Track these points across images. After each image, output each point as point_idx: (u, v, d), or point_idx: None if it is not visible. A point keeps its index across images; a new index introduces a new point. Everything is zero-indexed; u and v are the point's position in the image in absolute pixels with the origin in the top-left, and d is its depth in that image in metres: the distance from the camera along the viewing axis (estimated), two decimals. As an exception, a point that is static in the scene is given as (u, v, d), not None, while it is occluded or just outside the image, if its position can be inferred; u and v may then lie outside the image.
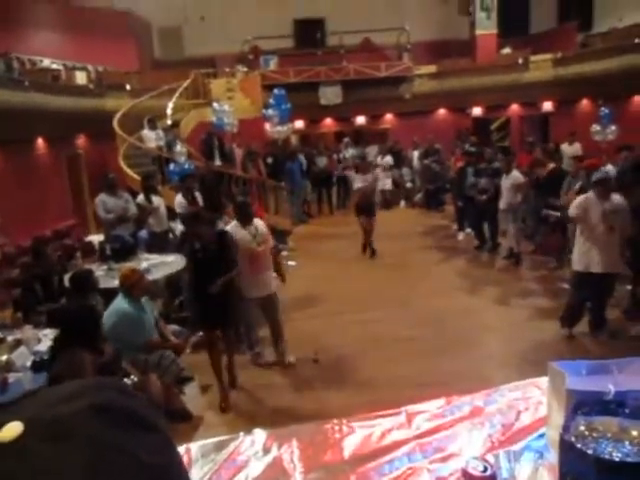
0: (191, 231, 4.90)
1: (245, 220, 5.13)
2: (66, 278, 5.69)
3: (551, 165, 8.00)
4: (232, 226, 5.19)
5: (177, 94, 11.49)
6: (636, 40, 11.09)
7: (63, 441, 0.44)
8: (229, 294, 4.67)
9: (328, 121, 15.86)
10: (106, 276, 6.15)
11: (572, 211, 5.44)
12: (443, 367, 5.00)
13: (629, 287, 6.28)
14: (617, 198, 5.30)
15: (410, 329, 6.02)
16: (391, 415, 1.54)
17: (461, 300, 7.01)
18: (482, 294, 7.21)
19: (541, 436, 1.37)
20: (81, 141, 12.26)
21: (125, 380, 3.90)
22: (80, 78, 12.88)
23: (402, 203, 13.65)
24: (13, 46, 11.49)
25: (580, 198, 5.47)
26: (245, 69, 13.92)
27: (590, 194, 5.36)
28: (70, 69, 12.80)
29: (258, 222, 5.25)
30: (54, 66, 12.40)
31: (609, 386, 1.10)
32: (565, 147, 10.85)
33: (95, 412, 0.46)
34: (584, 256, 5.38)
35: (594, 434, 1.03)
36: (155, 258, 6.78)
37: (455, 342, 5.66)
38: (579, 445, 1.00)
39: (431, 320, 6.26)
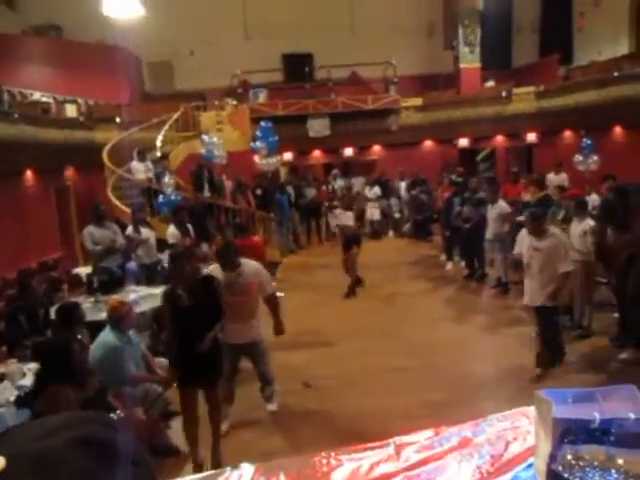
0: (173, 272, 4.38)
1: (226, 264, 4.52)
2: (52, 311, 5.63)
3: (541, 193, 8.06)
4: (212, 268, 4.70)
5: (167, 126, 11.60)
6: (615, 73, 11.42)
7: (48, 476, 0.44)
8: (215, 345, 4.14)
9: (317, 153, 16.04)
10: (93, 308, 6.09)
11: (516, 248, 5.68)
12: (432, 398, 4.96)
13: (616, 315, 6.32)
14: (553, 234, 5.33)
15: (399, 360, 5.98)
16: (379, 447, 1.52)
17: (450, 330, 7.00)
18: (471, 324, 7.21)
19: (530, 466, 1.36)
20: (70, 173, 12.27)
21: (110, 414, 3.83)
22: (70, 111, 12.97)
23: (390, 233, 13.74)
24: (4, 79, 11.58)
25: (521, 232, 5.64)
26: (234, 102, 14.10)
27: (524, 230, 5.53)
28: (60, 102, 12.89)
29: (249, 267, 4.59)
30: (44, 99, 12.48)
31: (594, 414, 1.11)
32: (551, 177, 11.02)
33: (79, 445, 0.46)
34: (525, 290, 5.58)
35: (581, 463, 1.03)
36: (143, 290, 6.74)
37: (444, 372, 5.63)
38: (566, 475, 1.00)
39: (420, 351, 6.23)
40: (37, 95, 12.59)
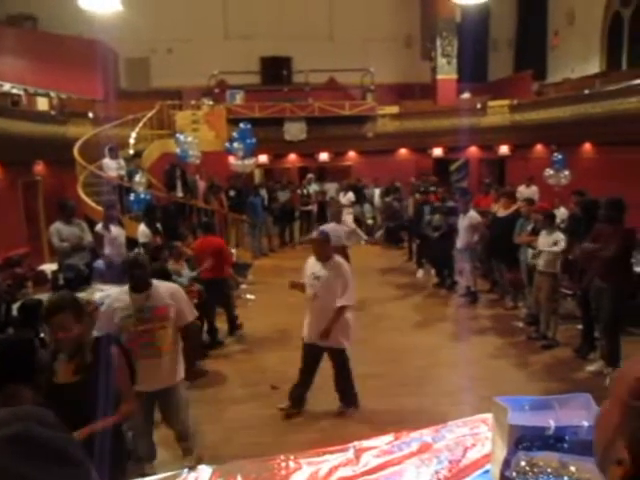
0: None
1: (134, 283, 3.61)
2: (14, 307, 5.48)
3: (514, 206, 8.15)
4: (118, 292, 3.83)
5: (141, 124, 11.45)
6: (586, 91, 11.70)
7: None
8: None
9: (292, 157, 16.04)
10: (57, 306, 5.95)
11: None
12: (399, 405, 4.98)
13: (580, 326, 6.46)
14: (335, 262, 4.71)
15: (367, 366, 5.98)
16: (339, 451, 1.52)
17: (418, 337, 7.06)
18: (439, 331, 7.28)
19: (487, 472, 1.38)
20: (39, 168, 11.99)
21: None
22: (42, 104, 12.69)
23: (363, 240, 13.80)
24: (-27, 70, 11.30)
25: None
26: (211, 102, 14.01)
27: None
28: (31, 94, 12.61)
29: (164, 288, 3.68)
30: (15, 90, 12.20)
31: (550, 421, 1.12)
32: (522, 189, 11.23)
33: (10, 445, 0.45)
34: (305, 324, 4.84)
35: (535, 469, 1.04)
36: (110, 289, 6.60)
37: (411, 379, 5.67)
38: (519, 480, 1.01)
39: (388, 357, 6.26)
40: (7, 86, 12.30)
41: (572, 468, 1.03)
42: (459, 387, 5.61)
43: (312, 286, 4.68)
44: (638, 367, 0.74)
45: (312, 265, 4.77)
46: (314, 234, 5.00)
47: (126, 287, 3.68)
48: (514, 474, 1.03)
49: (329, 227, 7.61)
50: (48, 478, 0.45)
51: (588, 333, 6.19)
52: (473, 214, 8.36)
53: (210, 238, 7.25)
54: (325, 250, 4.70)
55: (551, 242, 6.38)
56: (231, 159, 11.35)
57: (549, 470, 1.04)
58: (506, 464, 1.05)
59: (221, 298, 7.13)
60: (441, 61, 16.08)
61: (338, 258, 4.82)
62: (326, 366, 5.94)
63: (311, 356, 4.84)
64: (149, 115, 12.04)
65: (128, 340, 3.45)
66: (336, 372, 4.94)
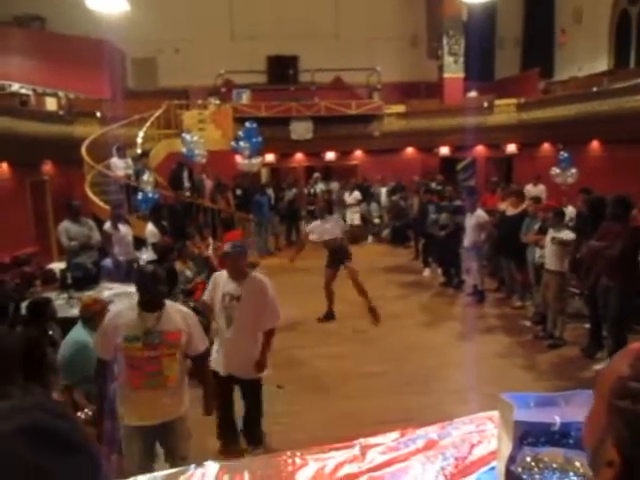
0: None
1: (147, 300, 3.18)
2: (23, 306, 5.52)
3: (523, 205, 8.12)
4: (124, 307, 3.37)
5: (148, 123, 11.50)
6: (594, 89, 11.64)
7: None
8: None
9: (299, 156, 16.04)
10: (66, 305, 6.00)
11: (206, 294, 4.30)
12: (406, 403, 4.98)
13: (587, 325, 6.43)
14: (254, 278, 4.07)
15: (375, 365, 6.01)
16: (345, 448, 1.53)
17: (425, 336, 7.05)
18: (446, 330, 7.27)
19: (492, 469, 1.38)
20: (47, 167, 12.08)
21: (78, 414, 3.77)
22: (50, 104, 12.77)
23: (370, 238, 13.79)
24: (-18, 70, 11.38)
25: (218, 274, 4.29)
26: (217, 102, 14.04)
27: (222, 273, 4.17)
28: (40, 94, 12.69)
29: (174, 310, 3.29)
30: (23, 91, 12.28)
31: (555, 418, 1.12)
32: (530, 188, 11.19)
33: (20, 435, 0.45)
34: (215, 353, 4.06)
35: (540, 465, 1.05)
36: (118, 288, 6.64)
37: (418, 378, 5.66)
38: (525, 477, 1.01)
39: (395, 356, 6.26)
40: (16, 86, 12.38)
41: (577, 463, 1.04)
42: (465, 386, 5.60)
43: (227, 309, 3.94)
44: (619, 365, 0.73)
45: (225, 283, 4.00)
46: (226, 248, 4.08)
47: (134, 303, 3.24)
48: (519, 469, 1.03)
49: (316, 224, 7.69)
50: (61, 467, 0.45)
51: (596, 332, 6.16)
52: (480, 213, 8.33)
53: (234, 232, 7.41)
54: (241, 266, 3.99)
55: (558, 240, 6.35)
56: (238, 158, 11.38)
57: (554, 465, 1.04)
58: (511, 459, 1.05)
59: None
60: (448, 60, 16.04)
61: (256, 273, 4.23)
62: (335, 364, 5.97)
63: (227, 391, 4.13)
64: (156, 115, 12.09)
65: (130, 366, 3.15)
66: (248, 408, 4.16)
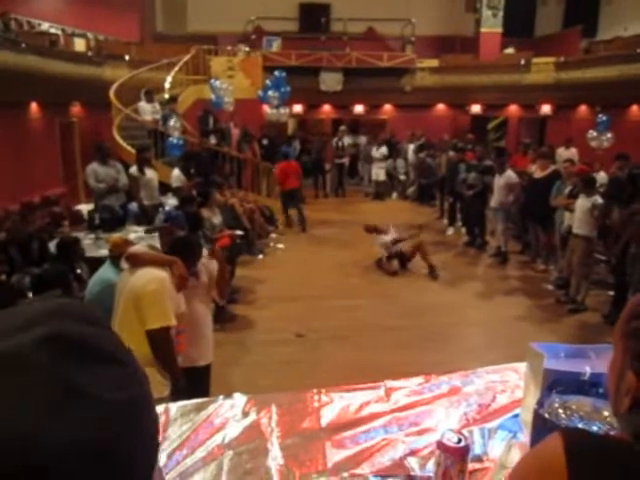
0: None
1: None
2: (51, 245, 5.65)
3: (551, 167, 7.94)
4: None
5: (177, 68, 11.36)
6: (638, 50, 11.13)
7: (14, 378, 0.40)
8: None
9: (326, 107, 15.79)
10: (93, 245, 6.13)
11: None
12: (424, 358, 5.04)
13: (611, 293, 6.37)
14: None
15: (394, 319, 6.07)
16: (370, 389, 1.56)
17: (445, 294, 7.07)
18: (466, 290, 7.27)
19: (515, 416, 1.40)
20: (76, 109, 12.10)
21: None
22: (79, 45, 12.69)
23: (394, 195, 13.69)
24: (12, 7, 11.27)
25: None
26: (247, 49, 13.79)
27: None
28: (69, 35, 12.60)
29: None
30: (52, 30, 12.20)
31: (586, 368, 1.13)
32: (561, 151, 10.91)
33: (49, 343, 0.42)
34: None
35: (567, 412, 1.05)
36: (142, 230, 6.75)
37: (437, 335, 5.72)
38: (552, 420, 1.03)
39: (415, 312, 6.31)
40: (45, 26, 12.30)
41: (605, 413, 1.04)
42: (483, 345, 5.65)
43: None
44: (632, 303, 0.78)
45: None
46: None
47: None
48: (547, 415, 1.04)
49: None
50: (90, 379, 0.42)
51: (620, 300, 6.09)
52: (510, 174, 8.18)
53: (291, 162, 10.44)
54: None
55: (588, 206, 6.23)
56: (265, 108, 11.25)
57: (582, 414, 1.05)
58: (540, 404, 1.06)
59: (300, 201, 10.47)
60: (486, 13, 15.39)
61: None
62: (354, 316, 6.04)
63: None
64: (185, 59, 11.93)
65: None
66: None
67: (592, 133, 9.75)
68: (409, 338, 5.57)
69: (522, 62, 14.39)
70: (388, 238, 7.90)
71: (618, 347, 0.77)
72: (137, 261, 3.02)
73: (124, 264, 3.14)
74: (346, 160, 13.84)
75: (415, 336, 5.62)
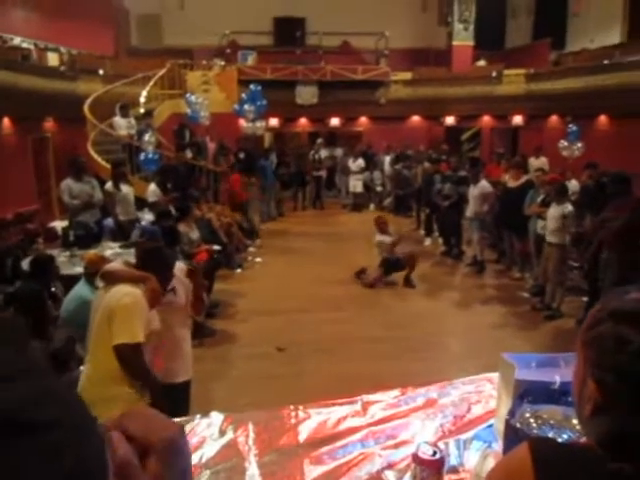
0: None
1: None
2: (25, 262, 5.56)
3: (524, 177, 8.10)
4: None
5: (152, 82, 11.33)
6: (605, 61, 11.44)
7: None
8: None
9: (303, 121, 15.87)
10: (68, 262, 6.04)
11: None
12: (404, 368, 5.06)
13: (585, 299, 6.48)
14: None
15: (375, 331, 6.09)
16: (347, 403, 1.57)
17: (424, 304, 7.13)
18: (445, 299, 7.34)
19: (490, 426, 1.42)
20: (49, 124, 11.95)
21: (81, 367, 3.83)
22: (52, 59, 12.55)
23: (372, 206, 13.78)
24: (-17, 22, 11.14)
25: None
26: (222, 63, 13.82)
27: None
28: (42, 49, 12.46)
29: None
30: (25, 45, 12.05)
31: (556, 377, 1.15)
32: (532, 160, 11.14)
33: None
34: None
35: (539, 421, 1.08)
36: (118, 247, 6.67)
37: (416, 345, 5.75)
38: (523, 430, 1.05)
39: (396, 323, 6.34)
40: (17, 40, 12.15)
41: (574, 421, 1.07)
42: (463, 354, 5.69)
43: None
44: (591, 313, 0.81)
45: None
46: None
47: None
48: (518, 425, 1.06)
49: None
50: None
51: (593, 305, 6.18)
52: (484, 183, 8.31)
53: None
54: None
55: (560, 213, 6.36)
56: (242, 121, 11.26)
57: (552, 422, 1.07)
58: (511, 414, 1.08)
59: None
60: (458, 27, 15.70)
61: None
62: (335, 328, 6.04)
63: None
64: (160, 74, 11.91)
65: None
66: None
67: (563, 143, 9.96)
68: (390, 349, 5.59)
69: (494, 74, 14.68)
70: (389, 240, 7.88)
71: (580, 356, 0.79)
72: (112, 278, 2.99)
73: (99, 282, 3.11)
74: (323, 172, 13.92)
75: (396, 347, 5.64)
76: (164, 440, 0.53)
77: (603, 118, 11.86)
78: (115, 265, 3.24)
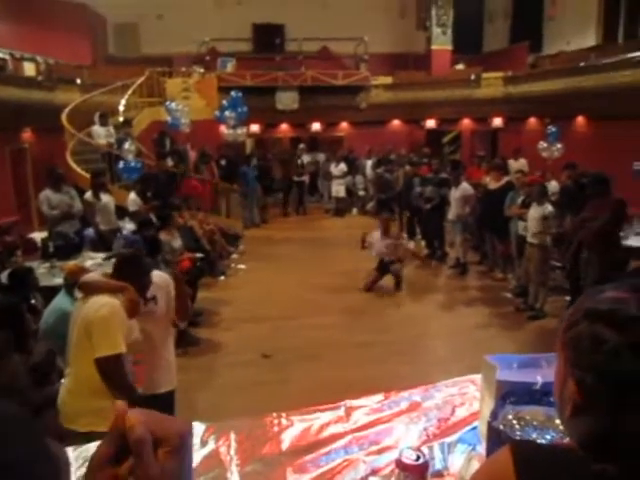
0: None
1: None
2: (2, 276, 5.45)
3: (504, 179, 8.16)
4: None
5: (130, 91, 11.24)
6: (581, 64, 11.61)
7: None
8: None
9: (284, 126, 15.87)
10: (48, 274, 5.94)
11: None
12: (389, 371, 5.06)
13: (568, 298, 6.55)
14: None
15: (361, 335, 6.08)
16: (330, 409, 1.55)
17: (409, 307, 7.15)
18: (429, 302, 7.36)
19: (474, 429, 1.41)
20: (27, 135, 11.79)
21: (62, 380, 3.76)
22: (28, 69, 12.40)
23: (354, 210, 13.81)
24: (-43, 32, 10.98)
25: None
26: (202, 70, 13.77)
27: None
28: (18, 59, 12.31)
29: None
30: (0, 55, 11.89)
31: (537, 377, 1.15)
32: (511, 162, 11.25)
33: None
34: None
35: (521, 422, 1.07)
36: (100, 257, 6.58)
37: (402, 348, 5.75)
38: (506, 432, 1.04)
39: (381, 327, 6.34)
40: (-7, 51, 11.99)
41: (557, 421, 1.06)
42: (448, 356, 5.71)
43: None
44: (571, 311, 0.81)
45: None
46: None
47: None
48: (501, 427, 1.05)
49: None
50: None
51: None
52: (465, 186, 8.37)
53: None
54: None
55: (541, 214, 6.42)
56: (222, 128, 11.22)
57: (535, 423, 1.07)
58: (493, 416, 1.07)
59: None
60: (436, 31, 15.84)
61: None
62: (322, 334, 6.02)
63: None
64: (138, 82, 11.83)
65: None
66: None
67: (543, 144, 10.08)
68: (376, 353, 5.58)
69: (472, 77, 14.83)
70: (383, 242, 7.81)
71: (560, 356, 0.79)
72: (89, 289, 2.94)
73: (77, 293, 3.06)
74: (306, 178, 13.91)
75: (382, 351, 5.64)
76: (178, 433, 0.56)
77: (580, 119, 12.03)
78: (93, 275, 3.19)
